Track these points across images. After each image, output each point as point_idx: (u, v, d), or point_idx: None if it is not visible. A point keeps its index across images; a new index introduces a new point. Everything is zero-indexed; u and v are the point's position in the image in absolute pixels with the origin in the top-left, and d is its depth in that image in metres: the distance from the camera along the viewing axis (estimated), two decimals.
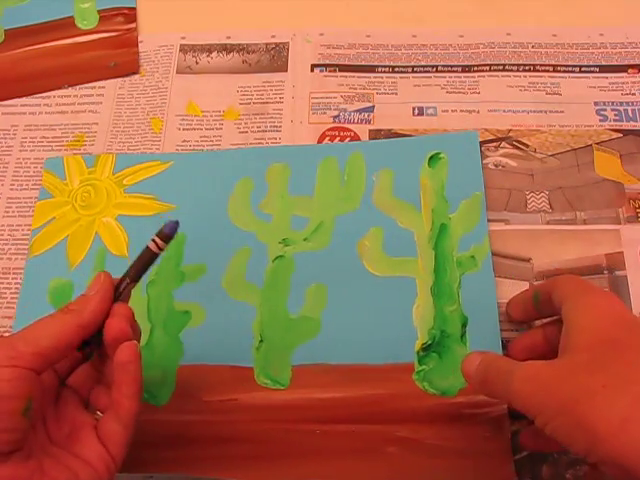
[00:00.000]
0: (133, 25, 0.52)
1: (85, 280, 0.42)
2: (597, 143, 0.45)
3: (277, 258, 0.42)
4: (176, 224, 0.32)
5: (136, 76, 0.51)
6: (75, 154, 0.47)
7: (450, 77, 0.48)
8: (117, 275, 0.33)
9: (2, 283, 0.44)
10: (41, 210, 0.45)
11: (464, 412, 0.36)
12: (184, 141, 0.48)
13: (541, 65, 0.48)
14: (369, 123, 0.47)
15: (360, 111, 0.48)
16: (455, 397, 0.37)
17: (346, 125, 0.47)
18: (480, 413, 0.34)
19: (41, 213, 0.45)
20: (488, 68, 0.49)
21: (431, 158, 0.44)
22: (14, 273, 0.44)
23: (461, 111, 0.47)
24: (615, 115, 0.46)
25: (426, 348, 0.39)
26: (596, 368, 0.28)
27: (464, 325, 0.39)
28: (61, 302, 0.42)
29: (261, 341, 0.40)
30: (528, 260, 0.41)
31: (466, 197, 0.42)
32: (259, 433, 0.37)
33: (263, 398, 0.38)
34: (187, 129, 0.48)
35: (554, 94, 0.47)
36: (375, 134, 0.46)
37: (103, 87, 0.51)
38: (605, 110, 0.46)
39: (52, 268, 0.43)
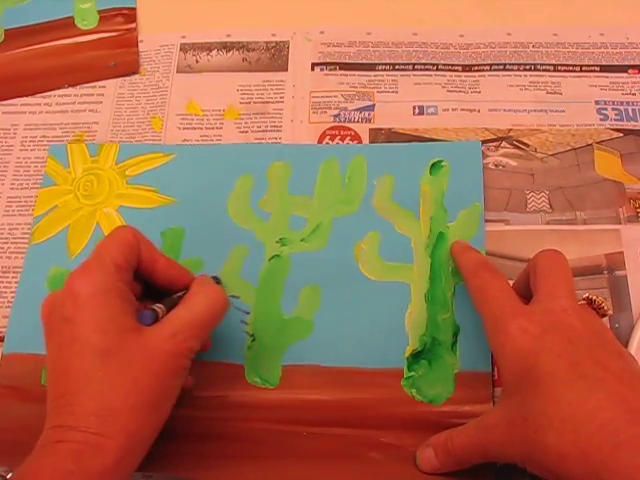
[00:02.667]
0: (133, 25, 0.52)
1: None
2: (597, 143, 0.45)
3: (273, 257, 0.42)
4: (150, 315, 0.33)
5: (136, 76, 0.51)
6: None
7: (451, 76, 0.48)
8: None
9: (2, 282, 0.44)
10: (44, 197, 0.46)
11: (450, 422, 0.36)
12: (184, 140, 0.48)
13: (542, 64, 0.48)
14: (369, 122, 0.47)
15: (360, 110, 0.47)
16: (442, 406, 0.37)
17: (346, 124, 0.47)
18: (466, 423, 0.34)
19: (44, 200, 0.46)
20: (489, 67, 0.48)
21: (433, 166, 0.44)
22: (14, 272, 0.44)
23: (462, 110, 0.47)
24: (616, 115, 0.46)
25: (416, 355, 0.39)
26: (523, 414, 0.29)
27: (455, 334, 0.39)
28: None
29: (253, 339, 0.40)
30: (528, 260, 0.41)
31: (465, 207, 0.42)
32: (247, 432, 0.37)
33: (252, 397, 0.39)
34: (187, 128, 0.48)
35: (555, 93, 0.47)
36: (375, 133, 0.46)
37: (103, 87, 0.51)
38: (606, 109, 0.46)
39: (52, 257, 0.43)
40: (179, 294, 0.35)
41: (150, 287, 0.36)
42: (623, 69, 0.48)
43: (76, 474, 0.28)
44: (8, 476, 0.28)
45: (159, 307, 0.33)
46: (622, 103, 0.46)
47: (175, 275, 0.35)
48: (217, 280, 0.38)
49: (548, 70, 0.48)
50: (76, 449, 0.28)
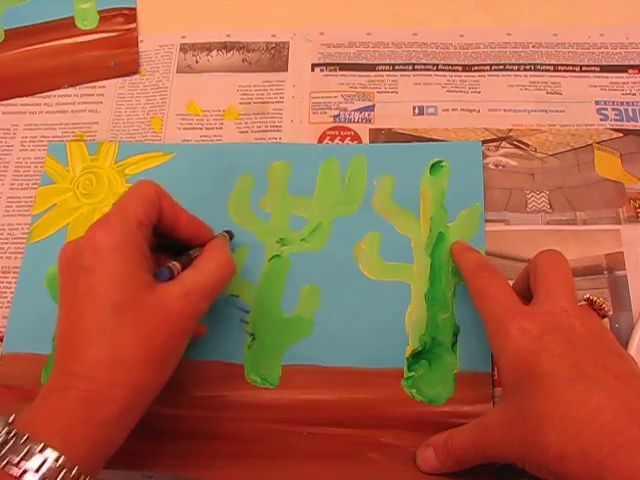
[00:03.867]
0: (133, 25, 0.52)
1: None
2: (597, 143, 0.45)
3: (273, 257, 0.42)
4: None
5: (136, 76, 0.51)
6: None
7: (451, 76, 0.48)
8: None
9: (2, 282, 0.44)
10: (43, 196, 0.46)
11: (450, 421, 0.36)
12: (184, 140, 0.48)
13: (542, 64, 0.48)
14: (369, 122, 0.47)
15: (360, 110, 0.47)
16: (442, 406, 0.37)
17: (346, 125, 0.47)
18: (466, 423, 0.34)
19: (43, 199, 0.46)
20: (489, 67, 0.48)
21: (433, 166, 0.44)
22: (14, 272, 0.44)
23: (461, 110, 0.47)
24: (616, 115, 0.46)
25: (416, 355, 0.39)
26: (523, 414, 0.29)
27: (455, 334, 0.39)
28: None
29: (253, 339, 0.40)
30: (528, 261, 0.41)
31: (465, 207, 0.42)
32: (246, 432, 0.37)
33: (252, 396, 0.39)
34: (187, 128, 0.48)
35: (555, 93, 0.47)
36: (375, 134, 0.46)
37: (103, 87, 0.51)
38: (606, 109, 0.46)
39: (51, 255, 0.43)
40: (195, 252, 0.36)
41: (164, 238, 0.36)
42: (623, 69, 0.48)
43: (84, 421, 0.28)
44: (10, 419, 0.28)
45: (175, 265, 0.34)
46: (622, 103, 0.46)
47: (196, 230, 0.36)
48: (230, 234, 0.40)
49: (548, 70, 0.48)
50: (85, 397, 0.29)
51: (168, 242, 0.36)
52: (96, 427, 0.29)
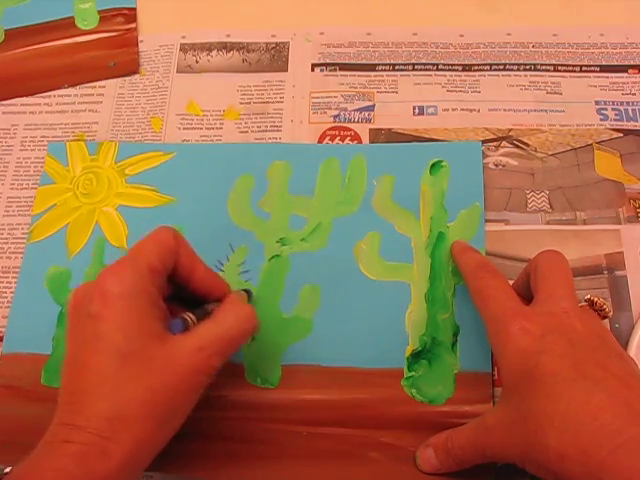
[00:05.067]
0: (133, 25, 0.52)
1: (83, 269, 0.43)
2: (597, 143, 0.45)
3: (273, 257, 0.42)
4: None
5: (136, 76, 0.51)
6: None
7: (451, 76, 0.48)
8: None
9: (2, 282, 0.44)
10: (42, 196, 0.46)
11: (450, 421, 0.36)
12: (184, 140, 0.48)
13: (542, 64, 0.48)
14: (369, 122, 0.47)
15: (360, 110, 0.47)
16: (442, 406, 0.37)
17: (346, 125, 0.47)
18: (466, 423, 0.34)
19: (42, 199, 0.46)
20: (489, 67, 0.48)
21: (433, 166, 0.44)
22: (14, 272, 0.44)
23: (462, 110, 0.47)
24: (616, 115, 0.46)
25: (416, 355, 0.39)
26: (523, 414, 0.29)
27: (455, 334, 0.39)
28: (58, 289, 0.42)
29: (253, 339, 0.40)
30: (528, 260, 0.41)
31: (465, 207, 0.42)
32: (246, 431, 0.37)
33: (252, 396, 0.39)
34: (187, 128, 0.48)
35: (555, 93, 0.47)
36: (376, 134, 0.46)
37: (103, 87, 0.51)
38: (606, 109, 0.46)
39: (51, 255, 0.43)
40: (212, 305, 0.34)
41: (180, 289, 0.35)
42: (623, 69, 0.48)
43: (79, 477, 0.27)
44: (7, 469, 0.28)
45: (190, 317, 0.32)
46: (622, 103, 0.46)
47: (212, 286, 0.35)
48: (249, 293, 0.38)
49: (548, 70, 0.48)
50: (81, 451, 0.27)
51: (184, 294, 0.35)
52: None
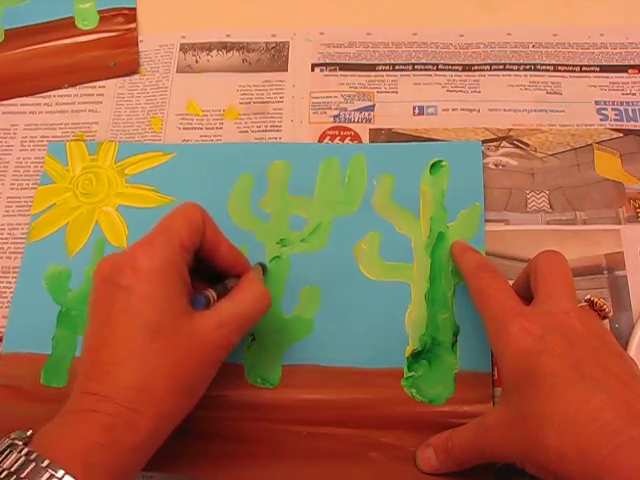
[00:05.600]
0: (133, 25, 0.52)
1: (83, 269, 0.43)
2: (597, 143, 0.45)
3: (274, 259, 0.42)
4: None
5: (136, 75, 0.51)
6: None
7: (451, 76, 0.48)
8: None
9: (2, 282, 0.44)
10: (42, 195, 0.46)
11: (450, 422, 0.36)
12: (184, 140, 0.48)
13: (542, 64, 0.48)
14: (369, 122, 0.47)
15: (360, 110, 0.47)
16: (442, 406, 0.37)
17: (346, 125, 0.47)
18: (466, 423, 0.34)
19: (42, 198, 0.46)
20: (489, 67, 0.48)
21: (433, 165, 0.44)
22: (14, 272, 0.44)
23: (462, 110, 0.47)
24: (615, 115, 0.46)
25: (416, 355, 0.39)
26: (523, 414, 0.29)
27: (455, 334, 0.39)
28: (57, 289, 0.42)
29: (253, 339, 0.40)
30: (528, 260, 0.41)
31: (466, 207, 0.42)
32: (247, 432, 0.37)
33: (252, 396, 0.39)
34: (187, 128, 0.48)
35: (555, 93, 0.47)
36: (375, 134, 0.46)
37: (103, 87, 0.51)
38: (606, 109, 0.46)
39: (51, 255, 0.43)
40: (231, 282, 0.35)
41: (201, 262, 0.35)
42: (623, 69, 0.48)
43: (106, 447, 0.27)
44: (28, 433, 0.28)
45: (212, 294, 0.33)
46: (622, 103, 0.46)
47: (234, 262, 0.36)
48: (263, 267, 0.39)
49: (548, 70, 0.48)
50: (109, 422, 0.28)
51: (204, 267, 0.36)
52: (118, 455, 0.28)
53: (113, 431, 0.28)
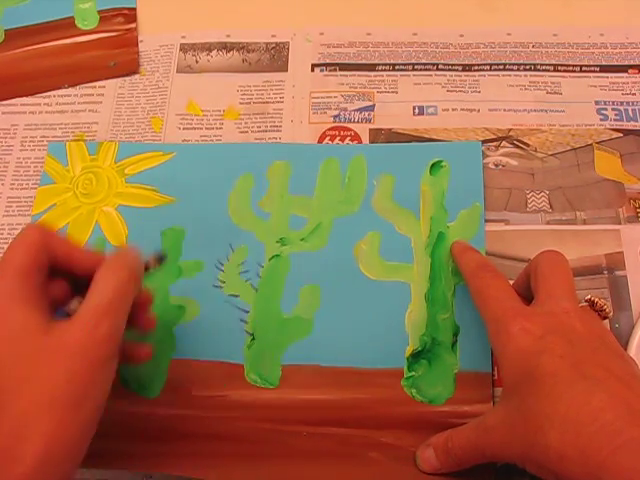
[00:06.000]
0: (133, 25, 0.52)
1: None
2: (597, 143, 0.45)
3: (273, 257, 0.42)
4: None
5: (136, 75, 0.51)
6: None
7: (451, 76, 0.48)
8: None
9: None
10: (42, 196, 0.46)
11: (450, 422, 0.36)
12: (184, 140, 0.48)
13: (542, 64, 0.48)
14: (369, 122, 0.47)
15: (360, 110, 0.47)
16: (442, 406, 0.37)
17: (346, 125, 0.47)
18: (466, 423, 0.34)
19: (42, 199, 0.46)
20: (489, 67, 0.49)
21: (433, 166, 0.44)
22: None
23: (462, 110, 0.47)
24: (615, 115, 0.46)
25: (416, 355, 0.39)
26: (523, 414, 0.29)
27: (456, 334, 0.39)
28: None
29: (253, 339, 0.40)
30: (528, 261, 0.41)
31: (466, 207, 0.42)
32: (246, 431, 0.37)
33: (252, 396, 0.38)
34: (187, 128, 0.48)
35: (555, 93, 0.47)
36: (375, 134, 0.46)
37: (103, 87, 0.51)
38: (606, 109, 0.46)
39: None
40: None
41: (79, 280, 0.33)
42: (623, 69, 0.48)
43: None
44: None
45: (76, 301, 0.32)
46: (622, 103, 0.46)
47: (93, 262, 0.33)
48: (159, 256, 0.36)
49: (548, 70, 0.48)
50: None
51: (81, 282, 0.33)
52: None
53: None
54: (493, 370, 0.38)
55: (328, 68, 0.50)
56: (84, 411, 0.29)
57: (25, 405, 0.27)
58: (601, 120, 0.46)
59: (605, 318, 0.34)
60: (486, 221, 0.42)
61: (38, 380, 0.28)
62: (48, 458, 0.27)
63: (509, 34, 0.50)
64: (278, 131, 0.47)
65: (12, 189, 0.47)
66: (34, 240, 0.31)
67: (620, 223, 0.42)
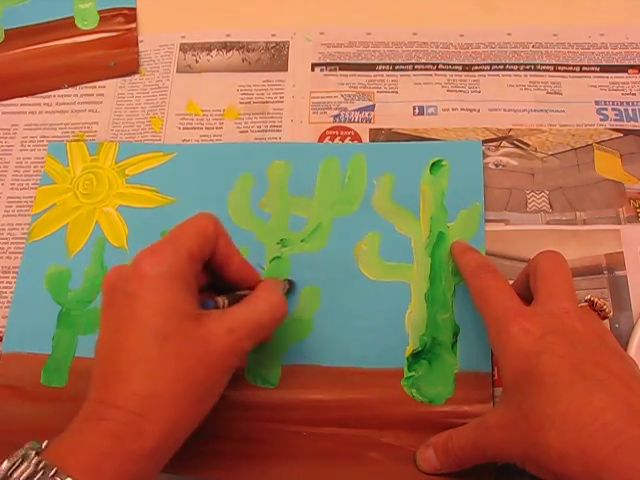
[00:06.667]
0: (133, 25, 0.52)
1: (83, 269, 0.43)
2: (597, 143, 0.45)
3: (274, 259, 0.42)
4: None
5: (136, 75, 0.51)
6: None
7: (451, 76, 0.48)
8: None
9: (2, 282, 0.44)
10: (42, 195, 0.46)
11: (450, 421, 0.36)
12: (184, 140, 0.48)
13: (542, 64, 0.48)
14: (369, 122, 0.47)
15: (360, 110, 0.47)
16: (442, 406, 0.37)
17: (346, 125, 0.47)
18: (466, 423, 0.34)
19: (42, 199, 0.46)
20: (489, 67, 0.49)
21: (433, 165, 0.44)
22: (14, 272, 0.44)
23: (462, 110, 0.47)
24: (616, 115, 0.46)
25: (416, 355, 0.39)
26: (524, 414, 0.29)
27: (456, 334, 0.39)
28: (58, 289, 0.42)
29: None
30: (528, 261, 0.41)
31: (466, 207, 0.42)
32: (246, 431, 0.37)
33: (252, 396, 0.39)
34: (187, 128, 0.48)
35: (555, 93, 0.47)
36: (376, 133, 0.46)
37: (103, 87, 0.51)
38: (606, 109, 0.46)
39: (51, 255, 0.43)
40: (243, 292, 0.35)
41: (217, 279, 0.35)
42: (623, 69, 0.48)
43: (115, 455, 0.27)
44: (43, 444, 0.28)
45: (222, 299, 0.33)
46: (622, 103, 0.46)
47: (245, 275, 0.36)
48: (291, 284, 0.40)
49: (548, 70, 0.48)
50: (117, 430, 0.28)
51: (219, 284, 0.36)
52: (127, 462, 0.28)
53: (121, 439, 0.28)
54: (493, 370, 0.38)
55: (328, 68, 0.50)
56: (204, 408, 0.31)
57: (163, 384, 0.29)
58: (601, 120, 0.46)
59: (605, 318, 0.34)
60: (486, 221, 0.42)
61: (181, 364, 0.29)
62: (166, 440, 0.29)
63: (509, 34, 0.50)
64: (278, 131, 0.47)
65: (12, 189, 0.47)
66: (208, 231, 0.33)
67: (620, 223, 0.42)
